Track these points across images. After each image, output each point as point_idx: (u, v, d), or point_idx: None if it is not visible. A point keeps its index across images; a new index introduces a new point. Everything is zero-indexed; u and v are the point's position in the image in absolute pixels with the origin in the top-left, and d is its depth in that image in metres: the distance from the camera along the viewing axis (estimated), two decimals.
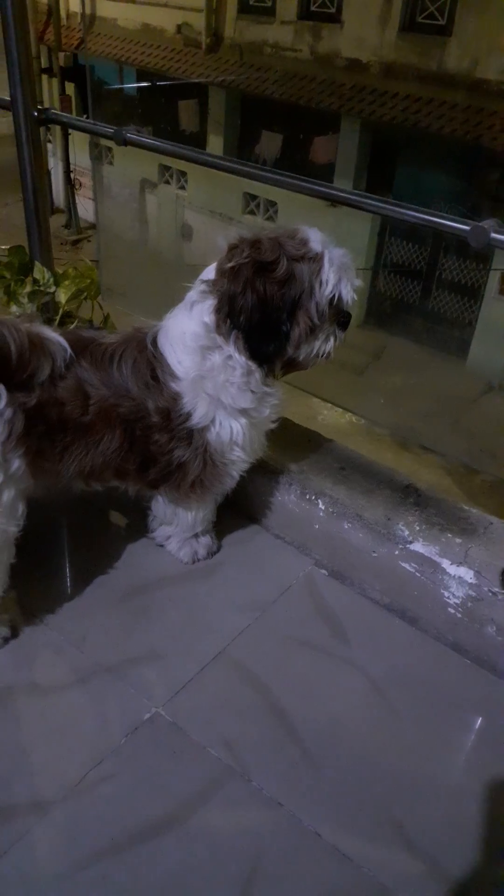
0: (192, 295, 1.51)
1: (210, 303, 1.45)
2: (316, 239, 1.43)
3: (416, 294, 6.97)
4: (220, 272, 1.44)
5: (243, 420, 1.54)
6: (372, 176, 6.74)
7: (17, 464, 1.38)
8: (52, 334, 1.41)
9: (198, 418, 1.50)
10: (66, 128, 8.53)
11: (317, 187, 1.72)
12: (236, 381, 1.48)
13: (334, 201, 1.74)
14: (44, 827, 1.24)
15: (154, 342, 1.51)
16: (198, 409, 1.50)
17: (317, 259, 1.42)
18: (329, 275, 1.42)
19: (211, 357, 1.47)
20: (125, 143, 1.90)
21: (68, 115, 2.14)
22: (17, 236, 2.28)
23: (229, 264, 1.41)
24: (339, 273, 1.43)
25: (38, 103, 2.00)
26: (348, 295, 1.47)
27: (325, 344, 1.51)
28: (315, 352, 1.51)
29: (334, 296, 1.45)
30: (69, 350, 1.42)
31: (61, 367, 1.41)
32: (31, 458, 1.41)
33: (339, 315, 1.50)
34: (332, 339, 1.52)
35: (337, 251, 1.44)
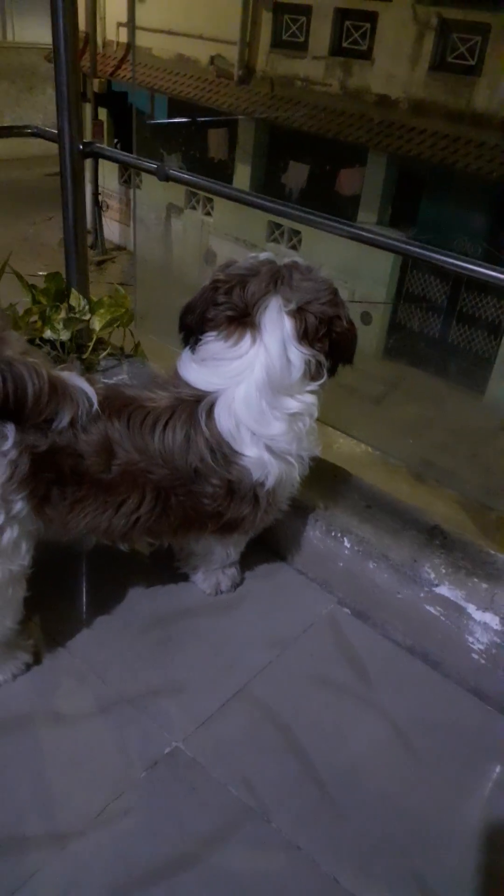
0: (265, 363, 1.39)
1: (301, 364, 1.41)
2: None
3: (437, 327, 7.00)
4: (313, 330, 1.41)
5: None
6: (396, 209, 6.82)
7: (19, 505, 1.33)
8: (78, 382, 1.35)
9: (271, 483, 1.46)
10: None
11: (355, 230, 1.74)
12: (311, 424, 1.49)
13: (368, 244, 1.76)
14: (61, 861, 1.23)
15: (209, 414, 1.40)
16: (270, 476, 1.46)
17: None
18: None
19: (301, 420, 1.46)
20: (167, 178, 1.94)
21: (112, 149, 2.18)
22: (45, 255, 2.32)
23: (336, 313, 1.43)
24: None
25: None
26: None
27: None
28: None
29: None
30: (94, 402, 1.35)
31: (83, 417, 1.34)
32: (37, 502, 1.36)
33: None
34: None
35: None
